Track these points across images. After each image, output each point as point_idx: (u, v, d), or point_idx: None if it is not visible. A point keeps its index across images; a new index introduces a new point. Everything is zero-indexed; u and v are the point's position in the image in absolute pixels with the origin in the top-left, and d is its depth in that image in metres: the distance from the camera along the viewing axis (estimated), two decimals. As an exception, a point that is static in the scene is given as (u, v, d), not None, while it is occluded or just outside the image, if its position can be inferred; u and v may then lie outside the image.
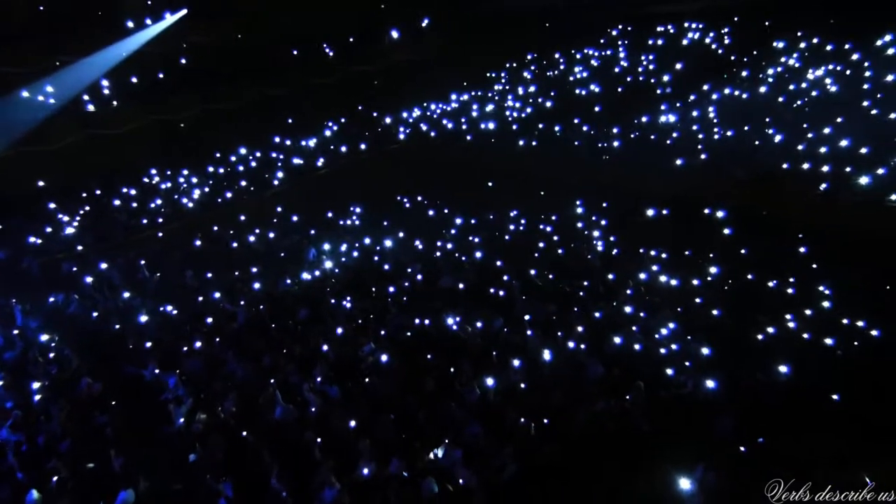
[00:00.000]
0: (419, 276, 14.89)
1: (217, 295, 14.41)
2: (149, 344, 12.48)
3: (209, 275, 15.57)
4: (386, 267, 15.59)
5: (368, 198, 19.76)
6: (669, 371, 10.79)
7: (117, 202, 19.77)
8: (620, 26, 28.64)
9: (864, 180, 15.01)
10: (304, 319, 13.31)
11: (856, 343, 11.20)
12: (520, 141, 21.76)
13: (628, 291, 13.52)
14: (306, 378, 10.97)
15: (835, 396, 9.74)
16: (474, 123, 24.15)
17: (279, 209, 19.32)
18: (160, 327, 13.33)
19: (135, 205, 19.77)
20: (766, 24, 24.50)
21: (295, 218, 18.92)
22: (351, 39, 27.11)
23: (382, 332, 12.48)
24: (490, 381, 10.53)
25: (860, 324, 11.50)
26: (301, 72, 25.95)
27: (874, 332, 11.04)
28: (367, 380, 11.04)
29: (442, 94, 26.67)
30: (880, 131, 16.64)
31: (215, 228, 18.41)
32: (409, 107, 25.88)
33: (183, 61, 24.38)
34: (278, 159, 22.57)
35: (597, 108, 22.43)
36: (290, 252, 17.03)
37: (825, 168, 15.93)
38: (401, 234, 17.38)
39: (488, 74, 28.19)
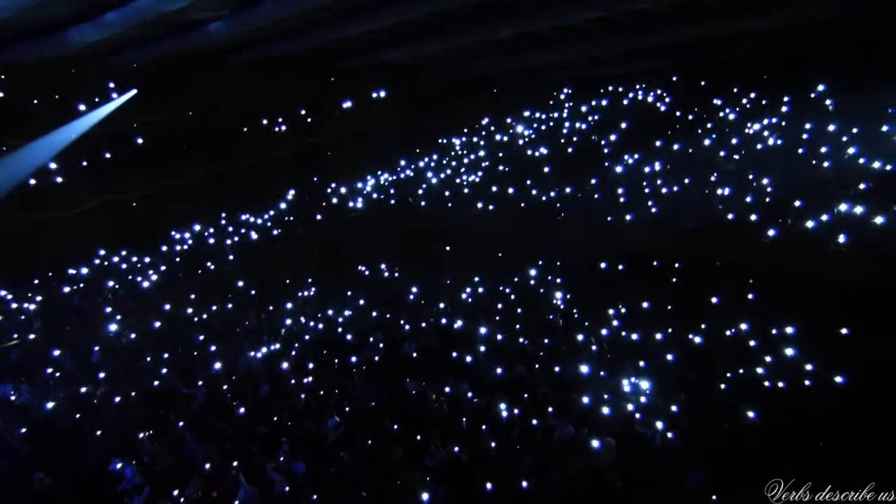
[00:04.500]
0: (381, 345, 14.79)
1: (175, 376, 14.09)
2: (104, 432, 12.06)
3: (166, 355, 15.24)
4: (348, 337, 15.47)
5: (326, 268, 19.71)
6: (638, 426, 10.83)
7: (68, 287, 19.33)
8: (566, 89, 29.51)
9: (807, 225, 15.50)
10: (265, 396, 13.05)
11: (812, 385, 11.42)
12: (475, 204, 22.03)
13: (593, 348, 13.62)
14: (270, 457, 10.69)
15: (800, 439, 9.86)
16: (429, 190, 24.42)
17: (238, 284, 19.13)
18: (116, 413, 12.91)
19: (86, 287, 19.35)
20: (704, 82, 25.46)
21: (253, 292, 18.73)
22: (303, 112, 27.38)
23: (347, 407, 12.29)
24: (458, 448, 10.42)
25: (814, 366, 11.73)
26: (253, 146, 26.04)
27: (834, 376, 11.21)
28: (333, 455, 10.82)
29: (395, 162, 27.01)
30: (818, 178, 17.29)
31: (168, 307, 18.10)
32: (363, 176, 26.09)
33: (135, 140, 24.29)
34: (233, 234, 22.43)
35: (547, 169, 22.89)
36: (249, 327, 16.79)
37: (769, 216, 16.42)
38: (360, 303, 17.30)
39: (440, 141, 28.67)
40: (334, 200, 24.54)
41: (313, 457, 10.83)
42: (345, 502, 9.54)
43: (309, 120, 27.62)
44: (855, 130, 18.40)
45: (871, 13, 17.88)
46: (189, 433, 11.66)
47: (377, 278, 19.41)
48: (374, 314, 16.70)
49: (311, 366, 14.03)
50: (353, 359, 14.08)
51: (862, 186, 16.21)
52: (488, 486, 9.54)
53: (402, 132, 28.28)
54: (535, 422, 11.20)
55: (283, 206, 24.14)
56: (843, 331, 12.85)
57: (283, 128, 26.98)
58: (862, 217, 15.08)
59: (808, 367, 11.80)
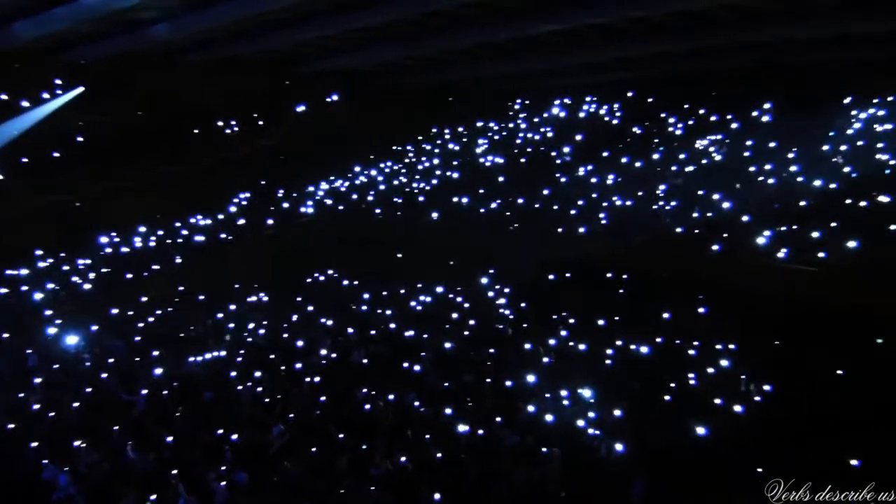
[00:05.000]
0: (329, 352, 14.65)
1: (115, 382, 13.70)
2: (38, 439, 11.64)
3: (106, 360, 14.83)
4: (295, 344, 15.27)
5: (275, 273, 19.47)
6: (583, 437, 10.92)
7: (5, 288, 18.66)
8: (520, 100, 29.71)
9: (755, 241, 15.89)
10: (208, 403, 12.79)
11: (757, 399, 11.69)
12: (428, 213, 22.03)
13: (542, 359, 13.72)
14: (212, 466, 10.47)
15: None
16: (381, 196, 24.32)
17: (181, 288, 18.74)
18: (52, 421, 12.48)
19: (25, 288, 18.71)
20: (656, 98, 25.89)
21: (200, 297, 18.39)
22: (255, 115, 27.02)
23: (292, 415, 12.12)
24: (404, 458, 10.36)
25: (754, 378, 12.02)
26: (204, 147, 25.56)
27: (769, 388, 11.49)
28: (276, 463, 10.66)
29: (348, 168, 26.80)
30: (762, 195, 17.75)
31: (114, 311, 17.62)
32: (316, 181, 25.84)
33: (79, 139, 23.65)
34: (180, 236, 21.95)
35: (500, 179, 23.02)
36: (194, 332, 16.46)
37: (715, 231, 16.77)
38: (309, 309, 17.13)
39: (394, 148, 28.58)
40: (286, 205, 24.22)
41: (256, 466, 10.65)
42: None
43: (261, 123, 27.25)
44: (797, 149, 18.92)
45: (813, 37, 18.45)
46: (128, 441, 11.35)
47: (327, 284, 19.25)
48: (323, 321, 16.54)
49: (256, 373, 13.81)
50: (300, 366, 13.92)
51: (802, 203, 16.71)
52: (435, 495, 9.49)
53: (356, 138, 28.06)
54: (481, 431, 11.22)
55: (232, 209, 23.70)
56: (782, 343, 13.21)
57: (235, 130, 26.57)
58: (801, 233, 15.54)
59: (748, 379, 12.08)
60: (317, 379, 13.55)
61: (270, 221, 23.15)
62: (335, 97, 28.37)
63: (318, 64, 25.05)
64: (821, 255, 14.90)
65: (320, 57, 24.28)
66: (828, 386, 11.92)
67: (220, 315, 17.25)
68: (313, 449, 10.96)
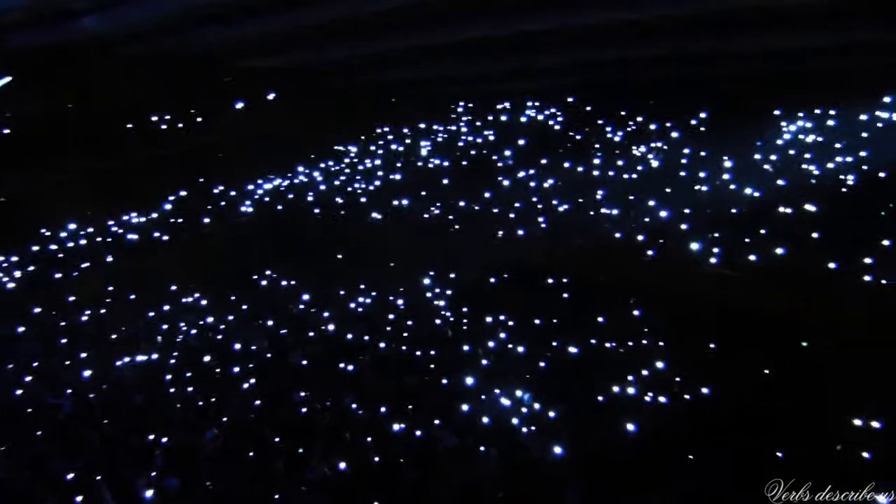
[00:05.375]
0: (266, 354, 14.41)
1: (40, 385, 13.20)
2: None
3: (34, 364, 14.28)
4: (231, 345, 14.97)
5: (211, 273, 19.06)
6: (520, 437, 10.99)
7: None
8: (462, 103, 29.77)
9: (689, 246, 16.28)
10: (138, 406, 12.41)
11: (689, 398, 11.99)
12: (369, 214, 21.90)
13: (478, 361, 13.76)
14: (140, 471, 10.15)
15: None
16: (322, 196, 24.05)
17: (111, 288, 18.18)
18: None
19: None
20: (596, 104, 26.28)
21: (132, 297, 17.86)
22: (192, 111, 26.39)
23: (226, 418, 11.87)
24: (341, 461, 10.25)
25: (686, 380, 12.31)
26: (137, 143, 24.81)
27: (704, 389, 11.77)
28: (209, 468, 10.41)
29: (288, 167, 26.41)
30: (695, 202, 18.23)
31: (39, 311, 16.97)
32: (255, 180, 25.39)
33: (6, 131, 22.71)
34: (111, 235, 21.27)
35: (442, 182, 23.04)
36: (125, 333, 15.97)
37: (651, 236, 17.13)
38: (246, 310, 16.82)
39: (336, 148, 28.31)
40: (223, 204, 23.75)
41: (188, 470, 10.37)
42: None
43: (199, 120, 26.64)
44: (729, 158, 19.45)
45: (745, 51, 19.08)
46: (52, 446, 10.94)
47: (265, 285, 18.94)
48: (260, 322, 16.27)
49: (189, 375, 13.48)
50: (236, 368, 13.64)
51: (734, 211, 17.22)
52: (371, 499, 9.41)
53: (296, 137, 27.65)
54: (419, 433, 11.18)
55: (167, 207, 23.10)
56: (713, 346, 13.59)
57: (171, 126, 25.88)
58: (734, 239, 16.01)
59: (681, 380, 12.37)
60: (252, 381, 13.30)
61: (207, 220, 22.67)
62: (275, 95, 27.90)
63: (258, 60, 24.62)
64: (751, 258, 15.37)
65: (261, 53, 23.85)
66: (755, 386, 12.28)
67: (152, 315, 16.79)
68: (249, 453, 10.74)
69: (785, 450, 10.14)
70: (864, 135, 19.07)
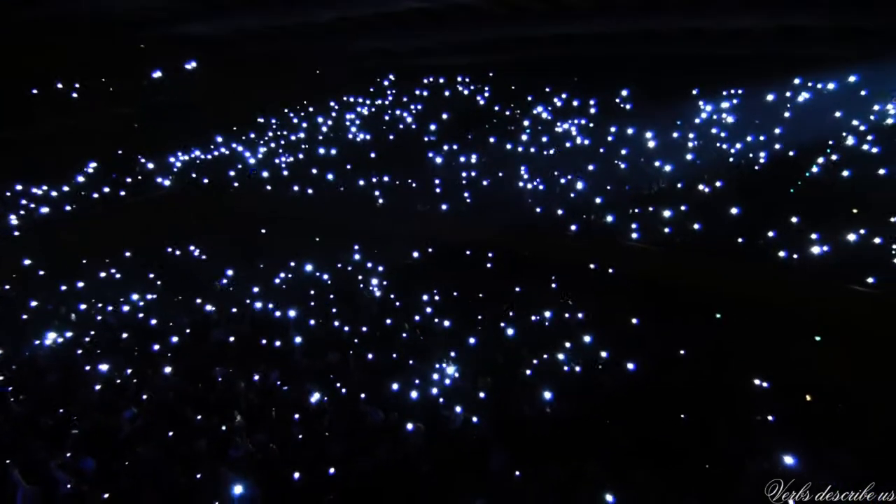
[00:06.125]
0: (187, 331, 14.10)
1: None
2: None
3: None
4: (150, 322, 14.57)
5: (129, 248, 18.45)
6: (444, 410, 11.12)
7: None
8: (390, 76, 29.53)
9: (606, 221, 16.70)
10: (52, 386, 11.97)
11: (603, 369, 12.39)
12: (292, 187, 21.56)
13: (403, 335, 13.83)
14: (54, 453, 9.81)
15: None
16: (243, 169, 23.53)
17: (25, 263, 17.40)
18: None
19: None
20: (521, 80, 26.50)
21: (41, 272, 17.13)
22: (103, 79, 25.22)
23: (145, 396, 11.56)
24: (265, 438, 10.17)
25: (608, 353, 12.70)
26: (45, 112, 23.58)
27: (624, 362, 12.16)
28: (128, 448, 10.14)
29: (208, 138, 25.66)
30: (617, 178, 18.70)
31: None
32: (174, 151, 24.58)
33: None
34: (20, 208, 20.20)
35: (368, 155, 22.87)
36: (36, 311, 15.34)
37: (574, 212, 17.48)
38: (166, 286, 16.38)
39: (258, 120, 27.69)
40: (140, 177, 22.92)
41: (105, 451, 10.09)
42: (141, 500, 8.97)
43: (111, 89, 25.49)
44: (650, 135, 19.99)
45: (666, 30, 19.59)
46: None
47: (186, 260, 18.47)
48: (181, 298, 15.89)
49: (107, 354, 13.06)
50: (156, 346, 13.30)
51: (654, 187, 17.76)
52: (295, 475, 9.37)
53: (217, 108, 26.85)
54: (345, 408, 11.18)
55: (80, 179, 22.08)
56: (634, 320, 14.03)
57: (82, 95, 24.67)
58: (653, 215, 16.51)
59: (603, 353, 12.74)
60: (173, 359, 12.99)
61: (123, 193, 21.83)
62: (194, 64, 26.96)
63: (173, 28, 23.63)
64: (667, 232, 15.91)
65: (176, 21, 22.88)
66: (673, 358, 12.76)
67: (65, 292, 16.16)
68: (169, 433, 10.51)
69: (700, 415, 10.62)
70: (777, 115, 19.96)
